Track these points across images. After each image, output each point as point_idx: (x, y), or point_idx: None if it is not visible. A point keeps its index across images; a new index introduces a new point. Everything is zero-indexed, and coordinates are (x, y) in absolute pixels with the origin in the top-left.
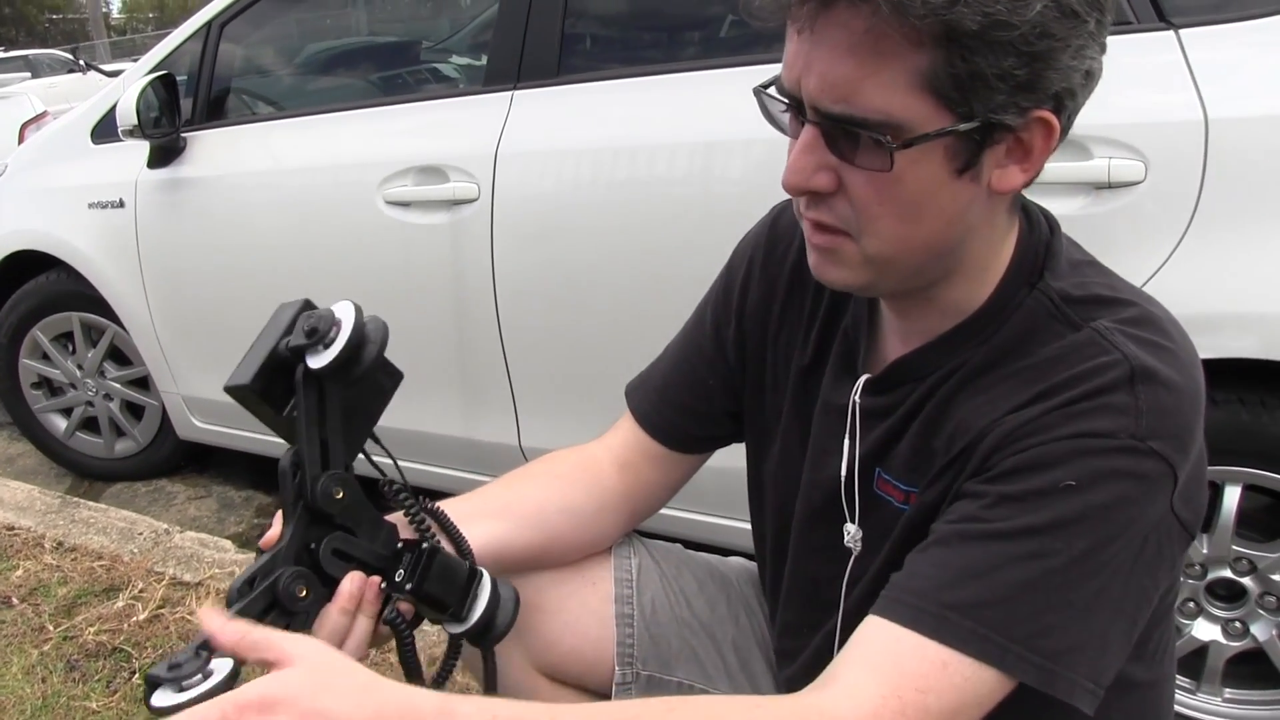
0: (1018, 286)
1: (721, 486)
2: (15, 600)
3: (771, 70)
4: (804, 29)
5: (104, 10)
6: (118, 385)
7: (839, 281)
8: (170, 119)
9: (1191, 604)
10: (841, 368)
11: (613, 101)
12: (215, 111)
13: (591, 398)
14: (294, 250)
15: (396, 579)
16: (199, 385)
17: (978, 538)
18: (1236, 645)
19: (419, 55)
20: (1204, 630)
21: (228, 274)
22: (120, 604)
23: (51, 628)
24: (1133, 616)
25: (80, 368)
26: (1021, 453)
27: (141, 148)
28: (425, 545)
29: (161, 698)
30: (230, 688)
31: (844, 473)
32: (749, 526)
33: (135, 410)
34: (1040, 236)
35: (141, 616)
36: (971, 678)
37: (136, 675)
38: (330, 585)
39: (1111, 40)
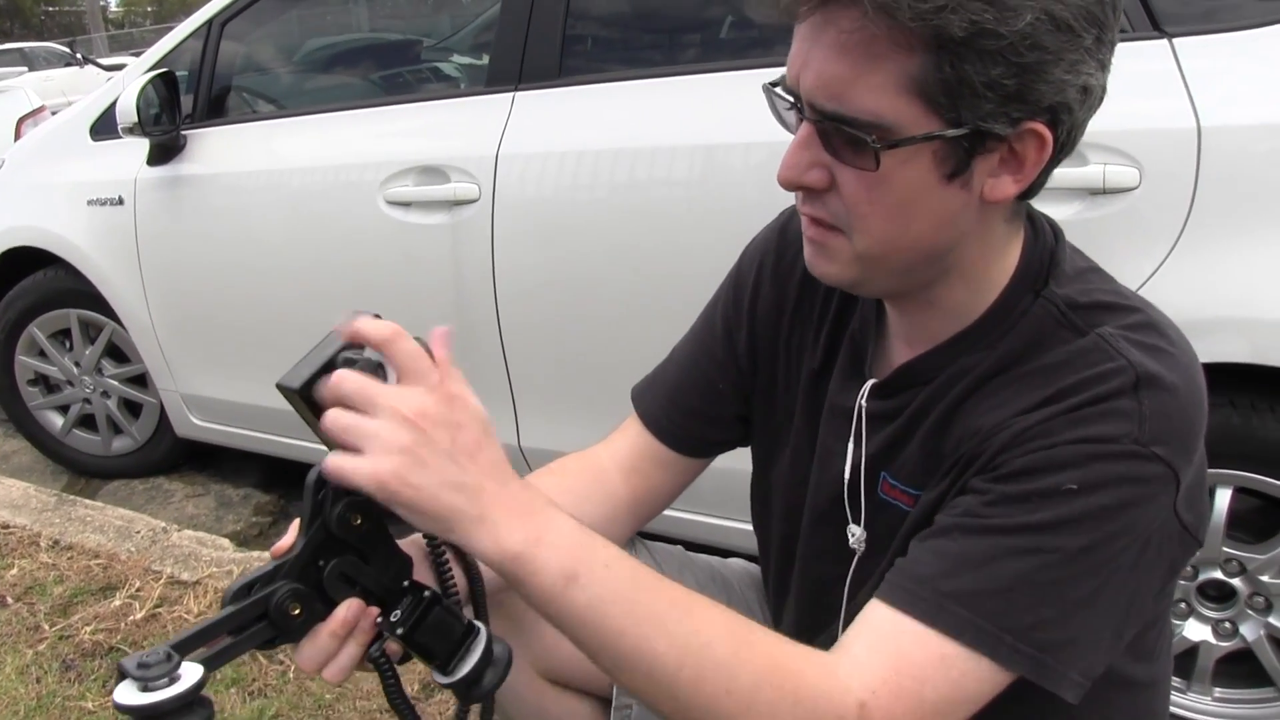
0: (1023, 293)
1: (718, 488)
2: (10, 600)
3: (772, 73)
4: (804, 27)
5: (101, 3)
6: (115, 383)
7: (830, 275)
8: (171, 117)
9: (1183, 604)
10: (849, 371)
11: (614, 104)
12: (216, 109)
13: (590, 399)
14: (295, 249)
15: (392, 619)
16: (198, 383)
17: (978, 531)
18: (1226, 645)
19: (420, 55)
20: (1195, 630)
21: (227, 272)
22: (117, 603)
23: (47, 627)
24: (1126, 615)
25: (78, 365)
26: (1027, 455)
27: (141, 145)
28: (427, 594)
29: (124, 694)
30: (196, 695)
31: (848, 475)
32: (747, 526)
33: (133, 408)
34: (1045, 244)
35: (138, 615)
36: (968, 672)
37: None
38: (330, 606)
39: None
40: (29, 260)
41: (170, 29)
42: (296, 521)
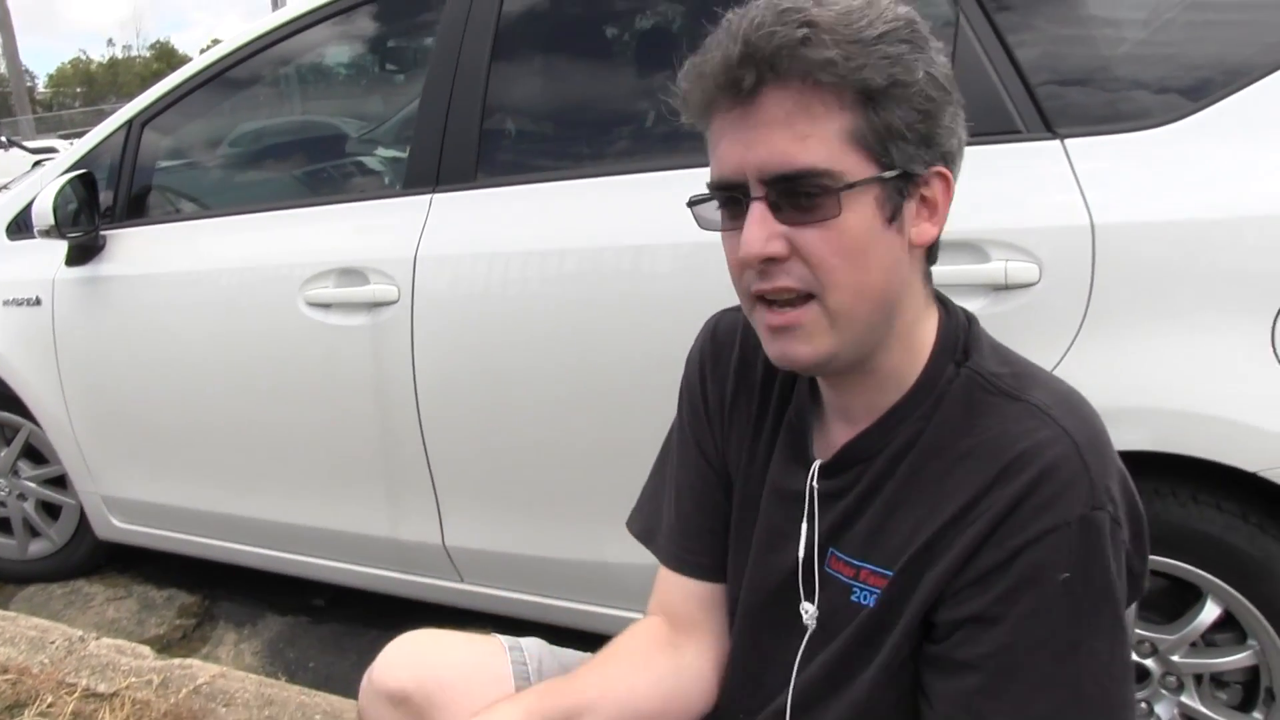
0: (945, 364)
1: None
2: None
3: (692, 174)
4: (737, 123)
5: (29, 85)
6: (33, 485)
7: (804, 356)
8: (89, 217)
9: None
10: (790, 456)
11: (529, 206)
12: (136, 209)
13: (514, 496)
14: (216, 349)
15: None
16: (119, 485)
17: (1029, 666)
18: None
19: (344, 150)
20: None
21: (148, 372)
22: None
23: None
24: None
25: None
26: (1011, 558)
27: (59, 245)
28: None
29: None
30: None
31: (802, 554)
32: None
33: (51, 510)
34: (959, 322)
35: None
36: None
37: None
38: None
39: (1002, 149)
40: None
41: (100, 110)
42: None
